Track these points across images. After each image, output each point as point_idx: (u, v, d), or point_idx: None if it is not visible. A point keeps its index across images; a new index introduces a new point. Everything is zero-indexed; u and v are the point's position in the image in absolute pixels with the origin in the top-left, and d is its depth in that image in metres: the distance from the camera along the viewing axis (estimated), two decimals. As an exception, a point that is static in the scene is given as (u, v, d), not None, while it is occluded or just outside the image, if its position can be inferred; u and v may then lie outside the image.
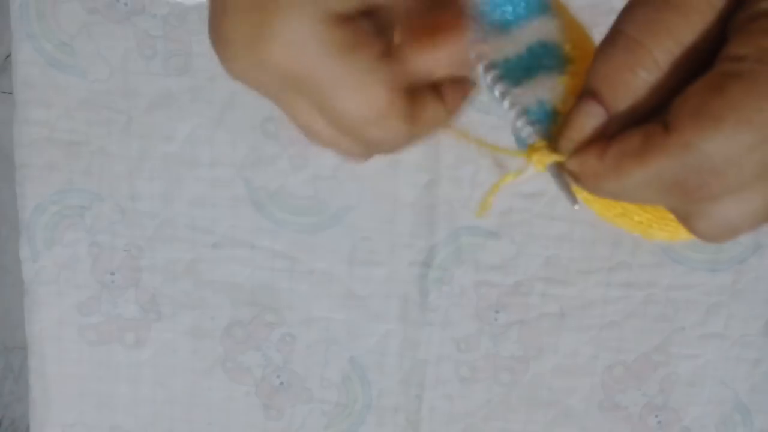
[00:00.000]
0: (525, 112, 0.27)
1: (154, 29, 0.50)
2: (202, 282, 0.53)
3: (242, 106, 0.51)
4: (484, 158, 0.48)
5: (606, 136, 0.24)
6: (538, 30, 0.27)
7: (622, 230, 0.33)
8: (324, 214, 0.52)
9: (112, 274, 0.53)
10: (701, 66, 0.23)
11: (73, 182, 0.52)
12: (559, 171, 0.26)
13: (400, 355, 0.54)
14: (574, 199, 0.26)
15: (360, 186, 0.52)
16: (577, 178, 0.26)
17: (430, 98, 0.27)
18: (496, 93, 0.27)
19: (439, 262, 0.52)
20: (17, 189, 0.52)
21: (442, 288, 0.53)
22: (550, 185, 0.33)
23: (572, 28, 0.28)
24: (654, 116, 0.24)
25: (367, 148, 0.27)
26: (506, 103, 0.26)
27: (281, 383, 0.54)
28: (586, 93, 0.25)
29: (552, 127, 0.26)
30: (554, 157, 0.26)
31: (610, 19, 0.29)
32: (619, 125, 0.24)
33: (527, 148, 0.26)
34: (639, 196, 0.25)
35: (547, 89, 0.27)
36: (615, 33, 0.24)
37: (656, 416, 0.54)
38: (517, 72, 0.27)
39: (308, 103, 0.26)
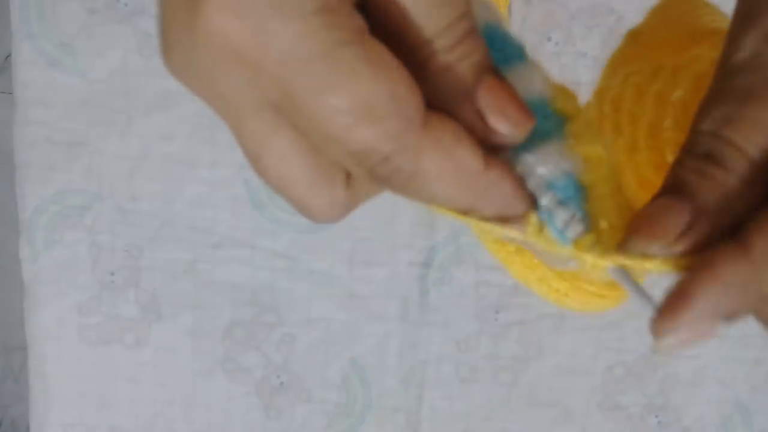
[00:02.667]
0: (550, 187, 0.21)
1: (154, 29, 0.50)
2: (202, 282, 0.53)
3: (242, 106, 0.51)
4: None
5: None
6: (522, 80, 0.21)
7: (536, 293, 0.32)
8: (324, 214, 0.52)
9: (112, 274, 0.53)
10: None
11: (73, 182, 0.52)
12: (627, 274, 0.22)
13: (400, 355, 0.54)
14: (651, 304, 0.22)
15: (360, 186, 0.52)
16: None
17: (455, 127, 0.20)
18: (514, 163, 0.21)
19: (439, 262, 0.52)
20: (17, 189, 0.52)
21: (442, 288, 0.53)
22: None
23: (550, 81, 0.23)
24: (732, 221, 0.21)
25: (317, 177, 0.21)
26: (527, 177, 0.21)
27: (281, 383, 0.54)
28: (663, 190, 0.22)
29: (586, 207, 0.21)
30: (617, 259, 0.22)
31: (609, 20, 0.29)
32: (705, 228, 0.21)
33: (573, 244, 0.21)
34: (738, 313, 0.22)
35: (561, 156, 0.21)
36: (697, 133, 0.22)
37: (656, 416, 0.54)
38: (531, 136, 0.21)
39: (264, 103, 0.20)
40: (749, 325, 0.57)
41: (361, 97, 0.19)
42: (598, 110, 0.28)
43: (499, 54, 0.21)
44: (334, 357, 0.54)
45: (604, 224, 0.22)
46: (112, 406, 0.55)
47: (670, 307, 0.22)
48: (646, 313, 0.22)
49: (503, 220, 0.22)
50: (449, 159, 0.20)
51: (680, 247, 0.21)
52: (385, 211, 0.52)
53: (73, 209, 0.52)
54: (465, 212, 0.22)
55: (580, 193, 0.21)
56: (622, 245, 0.22)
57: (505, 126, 0.20)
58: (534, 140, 0.21)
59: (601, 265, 0.22)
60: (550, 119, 0.21)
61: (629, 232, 0.22)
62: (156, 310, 0.53)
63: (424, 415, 0.54)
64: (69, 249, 0.53)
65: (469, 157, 0.20)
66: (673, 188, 0.22)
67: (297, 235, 0.52)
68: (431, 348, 0.54)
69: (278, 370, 0.54)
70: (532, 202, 0.21)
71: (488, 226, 0.22)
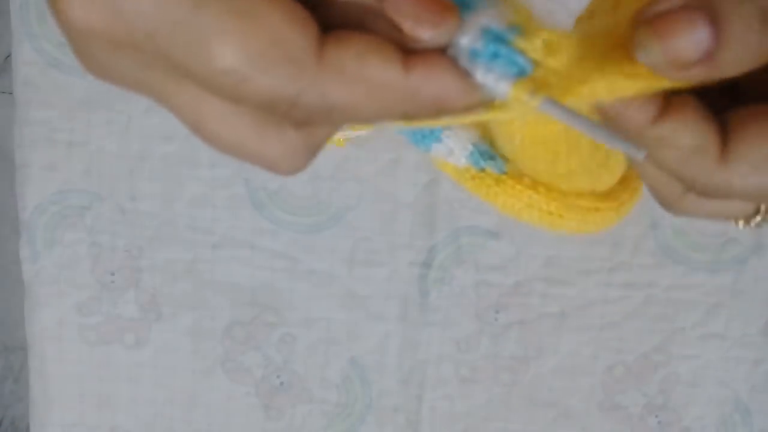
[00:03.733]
0: (475, 54, 0.19)
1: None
2: (202, 282, 0.53)
3: (242, 106, 0.51)
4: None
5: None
6: None
7: (531, 222, 0.30)
8: (324, 214, 0.52)
9: (112, 274, 0.53)
10: None
11: (73, 182, 0.52)
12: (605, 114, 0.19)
13: (400, 355, 0.54)
14: (635, 148, 0.20)
15: (360, 186, 0.52)
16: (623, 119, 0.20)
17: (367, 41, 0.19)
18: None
19: (439, 263, 0.52)
20: (17, 189, 0.52)
21: (442, 288, 0.53)
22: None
23: None
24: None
25: (263, 129, 0.20)
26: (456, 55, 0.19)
27: (281, 383, 0.54)
28: (701, 7, 0.18)
29: (525, 58, 0.19)
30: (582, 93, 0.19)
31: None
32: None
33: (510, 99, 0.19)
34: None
35: (480, 16, 0.19)
36: None
37: (656, 416, 0.54)
38: None
39: (173, 75, 0.19)
40: (749, 325, 0.57)
41: (238, 53, 0.18)
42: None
43: None
44: (334, 357, 0.54)
45: (553, 60, 0.19)
46: (112, 406, 0.55)
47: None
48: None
49: (448, 112, 0.20)
50: (358, 81, 0.19)
51: (695, 73, 0.19)
52: (385, 211, 0.52)
53: (73, 209, 0.52)
54: (405, 120, 0.20)
55: (509, 36, 0.19)
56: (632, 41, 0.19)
57: (423, 32, 0.19)
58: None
59: (528, 105, 0.19)
60: None
61: (638, 18, 0.19)
62: (156, 310, 0.53)
63: (424, 415, 0.54)
64: (69, 249, 0.53)
65: (380, 71, 0.19)
66: (712, 7, 0.18)
67: (297, 235, 0.52)
68: (431, 348, 0.54)
69: (278, 370, 0.54)
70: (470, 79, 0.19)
71: (440, 122, 0.20)
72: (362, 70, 0.19)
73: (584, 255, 0.52)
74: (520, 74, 0.19)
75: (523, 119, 0.21)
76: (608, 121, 0.20)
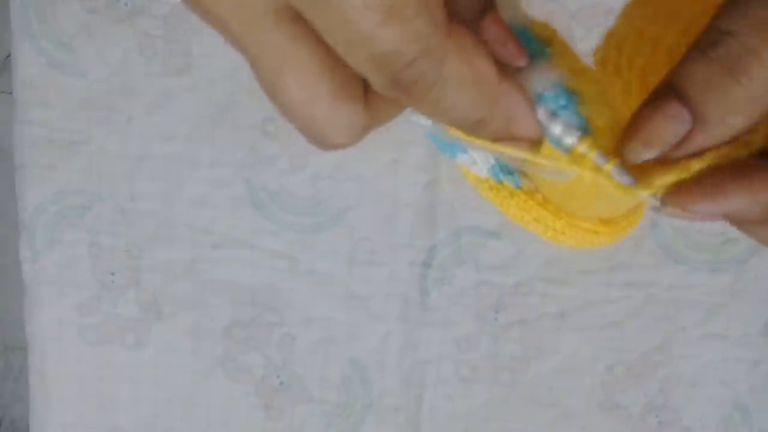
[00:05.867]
0: (541, 99, 0.21)
1: (154, 29, 0.50)
2: (202, 282, 0.53)
3: (242, 106, 0.51)
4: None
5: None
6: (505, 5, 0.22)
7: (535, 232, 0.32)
8: (324, 214, 0.52)
9: (112, 274, 0.53)
10: None
11: (73, 182, 0.52)
12: (632, 180, 0.21)
13: (400, 355, 0.54)
14: (658, 203, 0.22)
15: (360, 186, 0.52)
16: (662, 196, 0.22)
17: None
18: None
19: (439, 262, 0.52)
20: (17, 189, 0.52)
21: (442, 288, 0.53)
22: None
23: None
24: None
25: (336, 100, 0.21)
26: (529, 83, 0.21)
27: (281, 383, 0.54)
28: (665, 92, 0.21)
29: (584, 121, 0.21)
30: (618, 171, 0.21)
31: (609, 20, 0.29)
32: (702, 138, 0.21)
33: (569, 152, 0.21)
34: (735, 216, 0.22)
35: (548, 70, 0.22)
36: (714, 30, 0.20)
37: (656, 416, 0.54)
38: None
39: (282, 9, 0.20)
40: (750, 325, 0.57)
41: None
42: (605, 52, 0.27)
43: None
44: (334, 357, 0.54)
45: (600, 122, 0.21)
46: (112, 406, 0.55)
47: (688, 192, 0.21)
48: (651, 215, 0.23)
49: (508, 138, 0.22)
50: (471, 66, 0.20)
51: (678, 155, 0.21)
52: (385, 211, 0.52)
53: (73, 209, 0.52)
54: (474, 128, 0.21)
55: (572, 99, 0.21)
56: (618, 149, 0.21)
57: (507, 57, 0.21)
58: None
59: (601, 169, 0.21)
60: (532, 43, 0.22)
61: (624, 135, 0.21)
62: (156, 310, 0.53)
63: (425, 415, 0.54)
64: (69, 249, 0.53)
65: (487, 66, 0.20)
66: (677, 89, 0.21)
67: (297, 235, 0.52)
68: (431, 348, 0.54)
69: (278, 370, 0.54)
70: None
71: (495, 146, 0.22)
72: (476, 58, 0.20)
73: (584, 255, 0.52)
74: (583, 131, 0.21)
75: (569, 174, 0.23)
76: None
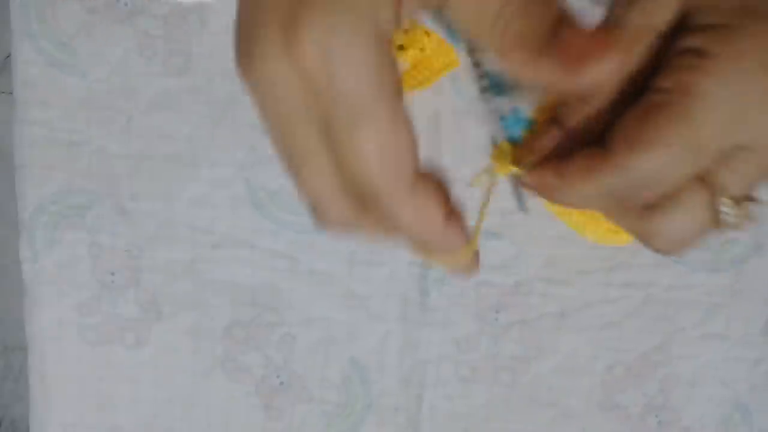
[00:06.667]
0: (501, 118, 0.29)
1: (154, 29, 0.50)
2: (202, 282, 0.53)
3: (242, 106, 0.51)
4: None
5: (562, 154, 0.28)
6: None
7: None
8: (324, 214, 0.52)
9: (112, 274, 0.53)
10: (640, 90, 0.27)
11: (73, 182, 0.52)
12: (517, 180, 0.29)
13: (400, 355, 0.54)
14: (523, 206, 0.30)
15: (360, 186, 0.52)
16: (534, 189, 0.29)
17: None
18: (482, 98, 0.29)
19: (439, 262, 0.52)
20: (17, 189, 0.52)
21: (442, 288, 0.53)
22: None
23: None
24: (602, 137, 0.27)
25: (382, 222, 0.26)
26: (488, 107, 0.29)
27: (281, 383, 0.54)
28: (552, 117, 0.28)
29: (525, 134, 0.29)
30: (511, 168, 0.29)
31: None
32: (575, 144, 0.28)
33: (492, 151, 0.28)
34: (588, 205, 0.28)
35: (525, 101, 0.29)
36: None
37: (656, 416, 0.54)
38: (502, 84, 0.29)
39: (314, 117, 0.23)
40: (749, 325, 0.57)
41: (387, 144, 0.23)
42: None
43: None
44: (334, 357, 0.54)
45: (506, 146, 0.30)
46: (112, 406, 0.55)
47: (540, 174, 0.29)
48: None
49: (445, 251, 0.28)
50: (423, 215, 0.25)
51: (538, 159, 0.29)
52: (385, 211, 0.52)
53: (73, 209, 0.52)
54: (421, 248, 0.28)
55: (525, 125, 0.29)
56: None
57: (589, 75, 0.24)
58: (520, 89, 0.29)
59: (504, 168, 0.29)
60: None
61: (523, 150, 0.29)
62: (156, 310, 0.53)
63: (425, 415, 0.54)
64: (69, 249, 0.53)
65: (435, 215, 0.26)
66: (555, 119, 0.29)
67: (297, 235, 0.52)
68: (431, 348, 0.54)
69: (278, 370, 0.54)
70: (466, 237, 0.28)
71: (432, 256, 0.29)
72: (429, 209, 0.26)
73: (584, 255, 0.52)
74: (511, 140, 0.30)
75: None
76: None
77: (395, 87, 0.22)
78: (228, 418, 0.55)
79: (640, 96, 0.27)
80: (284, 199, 0.52)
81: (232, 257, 0.53)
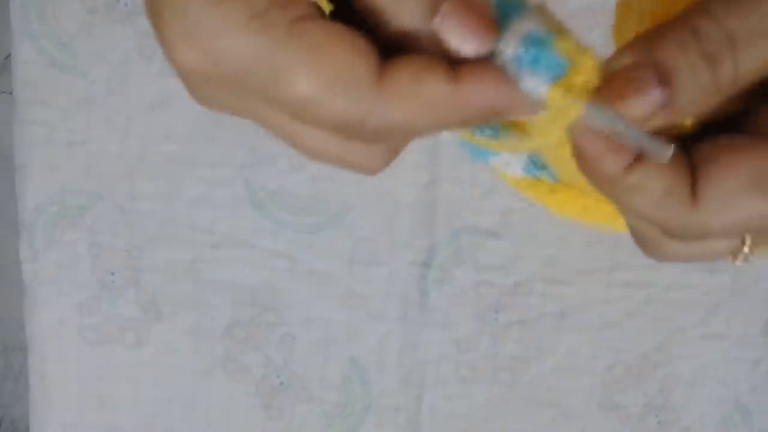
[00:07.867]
0: (512, 59, 0.21)
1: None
2: (202, 282, 0.53)
3: (242, 106, 0.51)
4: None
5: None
6: None
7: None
8: (324, 214, 0.52)
9: (112, 274, 0.53)
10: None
11: (73, 182, 0.52)
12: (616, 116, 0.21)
13: (400, 355, 0.54)
14: (663, 144, 0.20)
15: (360, 186, 0.52)
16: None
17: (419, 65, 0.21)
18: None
19: (439, 262, 0.52)
20: (17, 189, 0.52)
21: (441, 288, 0.53)
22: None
23: None
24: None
25: (347, 142, 0.23)
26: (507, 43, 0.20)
27: (281, 383, 0.54)
28: (647, 66, 0.21)
29: (565, 61, 0.20)
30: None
31: (609, 19, 0.29)
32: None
33: (548, 89, 0.20)
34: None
35: (528, 20, 0.21)
36: (709, 19, 0.21)
37: (656, 416, 0.54)
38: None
39: (261, 102, 0.22)
40: (749, 325, 0.57)
41: (310, 83, 0.20)
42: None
43: None
44: (334, 357, 0.54)
45: (578, 69, 0.21)
46: (112, 406, 0.55)
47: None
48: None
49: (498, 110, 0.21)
50: (414, 100, 0.20)
51: (655, 122, 0.21)
52: (385, 211, 0.52)
53: (73, 209, 0.52)
54: (464, 125, 0.22)
55: (544, 46, 0.20)
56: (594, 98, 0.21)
57: (467, 47, 0.20)
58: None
59: (572, 108, 0.21)
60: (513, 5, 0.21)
61: (602, 89, 0.21)
62: (156, 310, 0.53)
63: (424, 415, 0.54)
64: (69, 249, 0.53)
65: (432, 89, 0.20)
66: (661, 70, 0.21)
67: (297, 235, 0.52)
68: (431, 348, 0.54)
69: (278, 370, 0.54)
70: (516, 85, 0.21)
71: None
72: (417, 90, 0.20)
73: (584, 255, 0.52)
74: (559, 76, 0.20)
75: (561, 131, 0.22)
76: (584, 169, 0.22)
77: (279, 30, 0.20)
78: (228, 418, 0.55)
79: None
80: (284, 199, 0.52)
81: (232, 257, 0.53)
